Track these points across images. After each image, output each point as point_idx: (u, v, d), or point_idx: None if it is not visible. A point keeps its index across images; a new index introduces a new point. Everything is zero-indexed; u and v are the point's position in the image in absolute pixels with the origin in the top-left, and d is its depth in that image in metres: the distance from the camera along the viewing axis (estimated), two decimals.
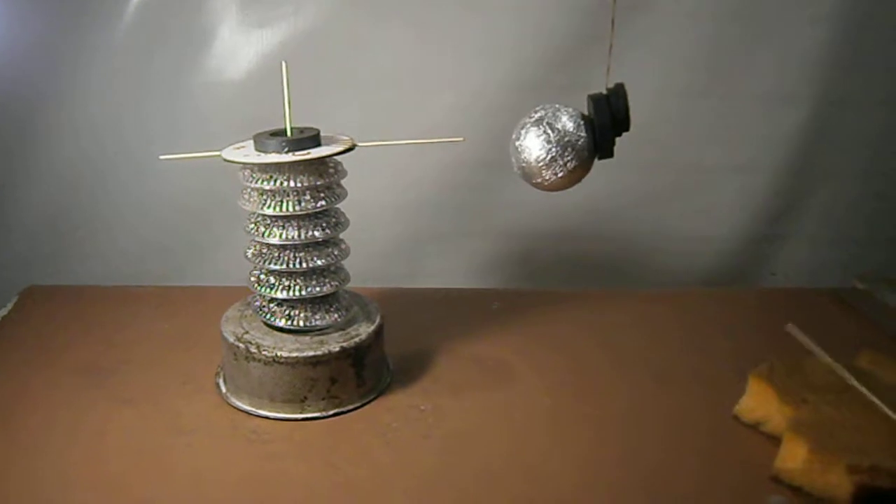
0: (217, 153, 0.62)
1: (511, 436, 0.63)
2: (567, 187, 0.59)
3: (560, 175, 0.57)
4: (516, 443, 0.62)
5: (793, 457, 0.56)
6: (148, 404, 0.65)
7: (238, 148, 0.63)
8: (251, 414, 0.64)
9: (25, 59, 0.85)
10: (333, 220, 0.64)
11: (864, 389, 0.59)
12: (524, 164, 0.58)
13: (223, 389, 0.67)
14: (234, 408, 0.65)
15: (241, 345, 0.64)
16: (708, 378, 0.70)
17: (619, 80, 0.60)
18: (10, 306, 0.81)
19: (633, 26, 0.85)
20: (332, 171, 0.63)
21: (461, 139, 0.67)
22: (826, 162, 0.93)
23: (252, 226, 0.64)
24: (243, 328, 0.66)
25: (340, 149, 0.62)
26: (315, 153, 0.61)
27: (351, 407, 0.65)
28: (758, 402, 0.62)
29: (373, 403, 0.66)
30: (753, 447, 0.61)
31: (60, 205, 0.91)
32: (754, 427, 0.62)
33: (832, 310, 0.84)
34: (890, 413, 0.56)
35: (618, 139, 0.59)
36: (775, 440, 0.59)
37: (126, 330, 0.77)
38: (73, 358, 0.72)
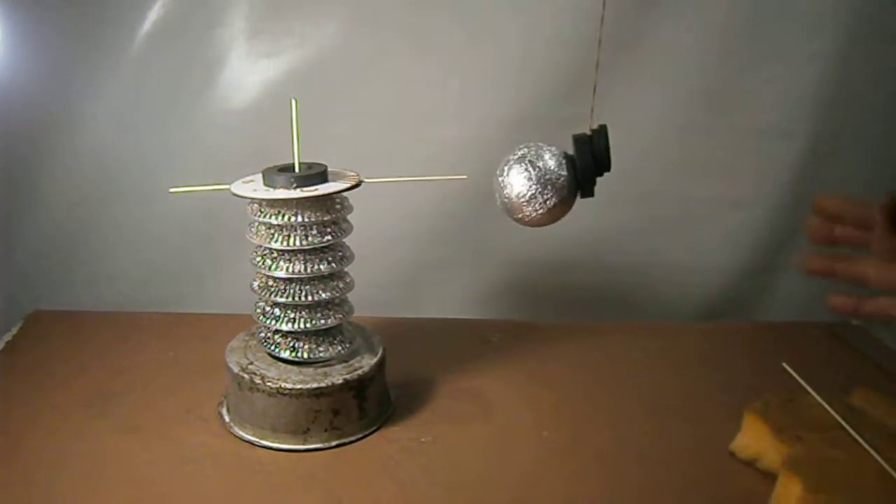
0: (226, 187, 0.63)
1: (510, 469, 0.63)
2: (548, 223, 0.61)
3: (540, 212, 0.59)
4: (516, 476, 0.63)
5: (787, 495, 0.57)
6: (152, 433, 0.66)
7: (247, 182, 0.64)
8: (254, 444, 0.65)
9: (33, 88, 0.86)
10: (339, 254, 0.66)
11: (854, 433, 0.60)
12: (506, 200, 0.60)
13: (226, 419, 0.68)
14: (238, 438, 0.66)
15: (245, 375, 0.65)
16: (703, 412, 0.71)
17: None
18: (15, 331, 0.82)
19: (632, 61, 0.87)
20: (338, 206, 0.65)
21: (464, 177, 0.68)
22: None
23: (259, 258, 0.65)
24: (248, 358, 0.67)
25: (347, 185, 0.63)
26: (323, 189, 0.62)
27: (353, 438, 0.66)
28: (753, 439, 0.63)
29: (374, 435, 0.67)
30: (749, 484, 0.62)
31: (65, 230, 0.92)
32: (750, 464, 0.63)
33: (826, 344, 0.86)
34: (877, 457, 0.57)
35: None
36: (771, 477, 0.60)
37: (131, 357, 0.78)
38: (79, 385, 0.73)
